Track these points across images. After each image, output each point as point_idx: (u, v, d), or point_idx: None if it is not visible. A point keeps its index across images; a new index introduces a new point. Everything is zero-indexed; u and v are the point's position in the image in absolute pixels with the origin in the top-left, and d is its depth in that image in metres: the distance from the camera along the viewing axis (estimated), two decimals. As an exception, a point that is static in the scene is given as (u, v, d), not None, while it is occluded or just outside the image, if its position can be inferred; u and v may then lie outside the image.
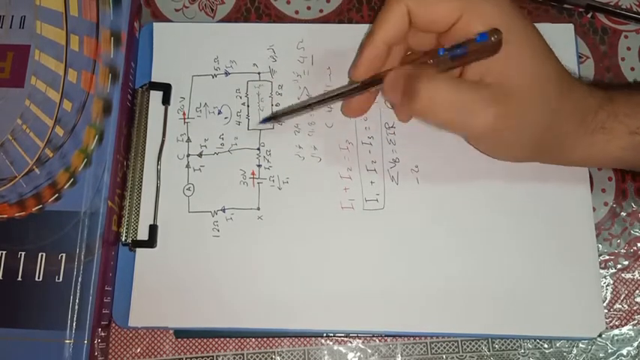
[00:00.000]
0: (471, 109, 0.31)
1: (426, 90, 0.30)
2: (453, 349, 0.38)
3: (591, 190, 0.38)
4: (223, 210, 0.38)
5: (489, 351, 0.38)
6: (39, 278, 0.35)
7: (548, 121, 0.32)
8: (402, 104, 0.32)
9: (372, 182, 0.38)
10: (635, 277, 0.39)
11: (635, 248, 0.40)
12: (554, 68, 0.32)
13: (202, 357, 0.38)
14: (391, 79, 0.32)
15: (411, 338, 0.38)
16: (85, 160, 0.37)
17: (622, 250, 0.40)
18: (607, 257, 0.39)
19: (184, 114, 0.40)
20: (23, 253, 0.35)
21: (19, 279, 0.35)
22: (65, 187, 0.36)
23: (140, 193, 0.39)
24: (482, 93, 0.31)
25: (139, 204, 0.38)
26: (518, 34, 0.31)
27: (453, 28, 0.31)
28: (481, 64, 0.30)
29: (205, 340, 0.38)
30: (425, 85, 0.30)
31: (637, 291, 0.39)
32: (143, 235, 0.38)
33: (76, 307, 0.35)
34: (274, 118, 0.38)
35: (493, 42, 0.28)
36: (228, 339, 0.38)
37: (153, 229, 0.38)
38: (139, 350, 0.38)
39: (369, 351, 0.38)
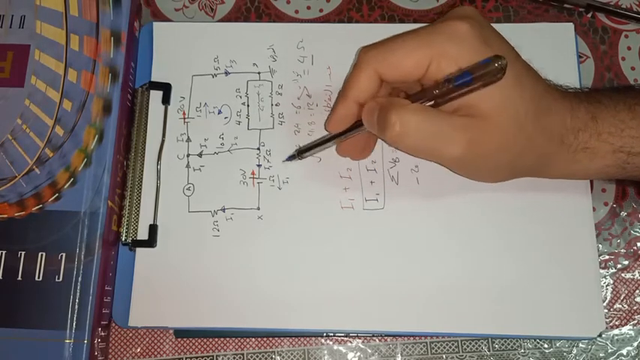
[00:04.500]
0: (443, 137, 0.31)
1: (398, 117, 0.30)
2: (453, 349, 0.38)
3: (591, 190, 0.38)
4: (223, 210, 0.38)
5: (489, 351, 0.38)
6: (39, 278, 0.35)
7: (523, 146, 0.32)
8: (377, 134, 0.33)
9: (372, 182, 0.38)
10: (635, 277, 0.39)
11: (635, 248, 0.40)
12: (531, 92, 0.32)
13: (202, 357, 0.38)
14: (367, 111, 0.33)
15: (411, 338, 0.38)
16: (85, 159, 0.37)
17: (622, 250, 0.40)
18: (607, 257, 0.39)
19: (184, 114, 0.40)
20: (23, 253, 0.35)
21: (19, 279, 0.35)
22: (65, 186, 0.36)
23: (140, 192, 0.39)
24: (454, 121, 0.31)
25: (138, 204, 0.38)
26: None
27: (426, 75, 0.31)
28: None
29: (205, 340, 0.38)
30: (396, 114, 0.30)
31: (637, 291, 0.39)
32: (143, 234, 0.38)
33: (76, 306, 0.35)
34: (298, 154, 0.38)
35: (497, 67, 0.27)
36: (228, 339, 0.38)
37: (153, 229, 0.38)
38: (139, 350, 0.38)
39: (369, 351, 0.38)
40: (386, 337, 0.38)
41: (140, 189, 0.39)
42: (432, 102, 0.31)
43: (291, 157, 0.38)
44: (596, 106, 0.33)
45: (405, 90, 0.35)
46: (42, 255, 0.35)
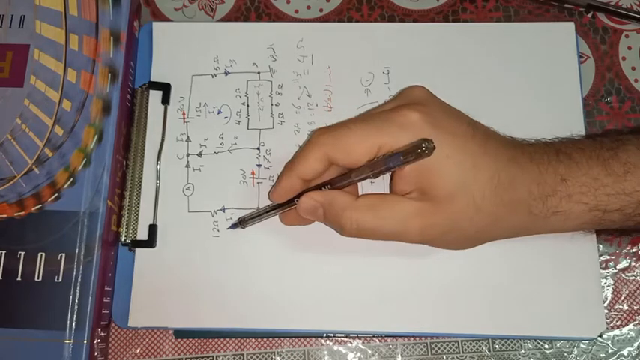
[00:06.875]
0: (399, 227, 0.32)
1: (350, 223, 0.32)
2: (454, 349, 0.38)
3: (592, 189, 0.38)
4: (223, 210, 0.38)
5: (490, 351, 0.38)
6: (38, 278, 0.35)
7: (485, 223, 0.32)
8: (328, 225, 0.34)
9: (372, 182, 0.38)
10: (636, 278, 0.39)
11: (635, 248, 0.40)
12: (489, 171, 0.31)
13: (202, 357, 0.38)
14: (307, 207, 0.33)
15: (411, 338, 0.38)
16: (85, 159, 0.37)
17: (622, 250, 0.40)
18: (607, 257, 0.39)
19: (184, 113, 0.40)
20: (23, 253, 0.35)
21: (19, 279, 0.35)
22: (65, 186, 0.36)
23: (140, 192, 0.38)
24: (406, 209, 0.31)
25: (138, 204, 0.38)
26: (438, 148, 0.29)
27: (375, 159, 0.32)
28: (410, 177, 0.31)
29: (205, 340, 0.38)
30: (347, 219, 0.32)
31: (637, 291, 0.39)
32: (143, 234, 0.38)
33: (76, 307, 0.35)
34: (240, 223, 0.37)
35: (424, 150, 0.28)
36: (228, 339, 0.38)
37: (152, 229, 0.38)
38: (138, 350, 0.38)
39: (369, 351, 0.38)
40: (386, 338, 0.38)
41: (140, 189, 0.39)
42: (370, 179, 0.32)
43: (234, 226, 0.37)
44: (567, 164, 0.31)
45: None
46: (41, 255, 0.35)
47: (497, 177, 0.31)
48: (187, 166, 0.39)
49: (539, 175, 0.31)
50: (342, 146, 0.32)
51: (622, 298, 0.39)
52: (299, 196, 0.34)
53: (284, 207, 0.35)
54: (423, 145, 0.28)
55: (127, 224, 0.38)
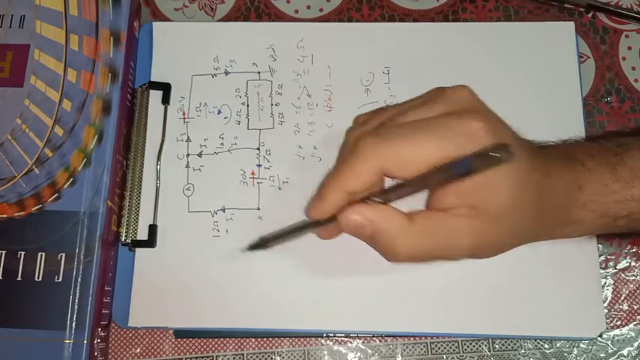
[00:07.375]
0: (450, 247, 0.30)
1: (408, 249, 0.29)
2: (454, 350, 0.38)
3: (592, 189, 0.38)
4: (223, 210, 0.38)
5: (490, 351, 0.38)
6: (38, 278, 0.35)
7: (523, 238, 0.31)
8: (369, 244, 0.31)
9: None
10: (636, 277, 0.39)
11: (635, 248, 0.40)
12: (535, 189, 0.30)
13: (202, 357, 0.38)
14: (354, 225, 0.29)
15: (411, 338, 0.38)
16: (85, 159, 0.37)
17: (622, 250, 0.40)
18: (607, 257, 0.39)
19: (184, 113, 0.40)
20: (23, 253, 0.35)
21: (19, 279, 0.35)
22: (65, 186, 0.36)
23: (140, 192, 0.38)
24: (460, 228, 0.29)
25: (138, 204, 0.38)
26: None
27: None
28: (462, 190, 0.29)
29: (205, 340, 0.38)
30: (404, 246, 0.29)
31: (638, 291, 0.39)
32: (143, 234, 0.38)
33: (76, 307, 0.35)
34: (263, 244, 0.34)
35: (500, 156, 0.26)
36: (228, 339, 0.38)
37: (152, 229, 0.38)
38: (138, 350, 0.38)
39: (369, 351, 0.38)
40: (386, 338, 0.38)
41: (140, 189, 0.39)
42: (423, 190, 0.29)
43: (253, 247, 0.34)
44: (580, 170, 0.31)
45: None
46: (41, 255, 0.35)
47: (543, 195, 0.30)
48: (187, 166, 0.39)
49: (565, 193, 0.31)
50: (400, 157, 0.29)
51: (622, 298, 0.39)
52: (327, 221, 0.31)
53: (323, 224, 0.31)
54: (499, 150, 0.26)
55: (127, 224, 0.38)
